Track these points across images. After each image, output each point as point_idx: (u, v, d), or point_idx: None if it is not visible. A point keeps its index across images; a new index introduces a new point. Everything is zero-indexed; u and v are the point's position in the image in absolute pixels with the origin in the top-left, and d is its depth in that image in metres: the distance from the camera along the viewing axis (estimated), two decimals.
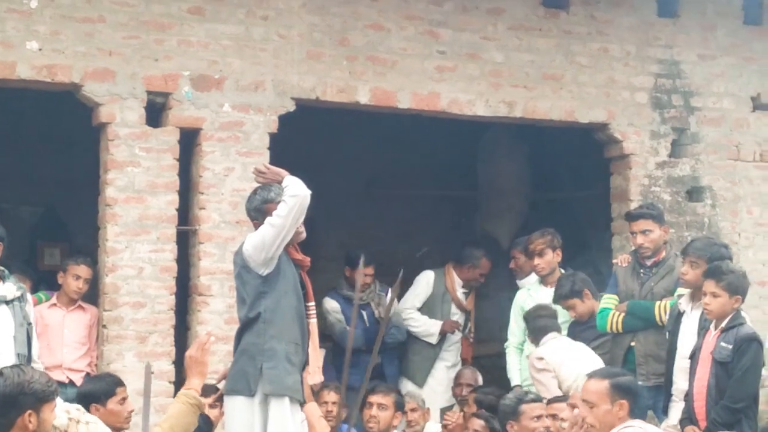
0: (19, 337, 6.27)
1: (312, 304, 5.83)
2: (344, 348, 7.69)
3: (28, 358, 6.29)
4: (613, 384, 4.96)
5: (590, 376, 5.15)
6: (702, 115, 8.58)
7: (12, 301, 6.35)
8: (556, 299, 7.20)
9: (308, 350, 5.78)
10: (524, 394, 6.23)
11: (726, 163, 8.59)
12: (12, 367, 4.16)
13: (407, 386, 8.40)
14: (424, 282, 8.61)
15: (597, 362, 6.61)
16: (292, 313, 5.67)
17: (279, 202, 5.63)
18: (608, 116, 8.35)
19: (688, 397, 6.19)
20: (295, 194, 5.57)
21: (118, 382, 6.00)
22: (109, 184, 7.23)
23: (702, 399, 6.06)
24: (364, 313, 8.21)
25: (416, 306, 8.57)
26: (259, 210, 5.76)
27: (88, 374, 7.11)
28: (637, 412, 5.02)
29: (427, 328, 8.53)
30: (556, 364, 6.72)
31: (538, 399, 6.18)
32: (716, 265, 6.18)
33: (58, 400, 5.20)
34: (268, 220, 5.63)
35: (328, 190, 9.12)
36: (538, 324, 7.03)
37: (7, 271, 6.45)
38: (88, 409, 5.61)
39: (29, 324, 6.42)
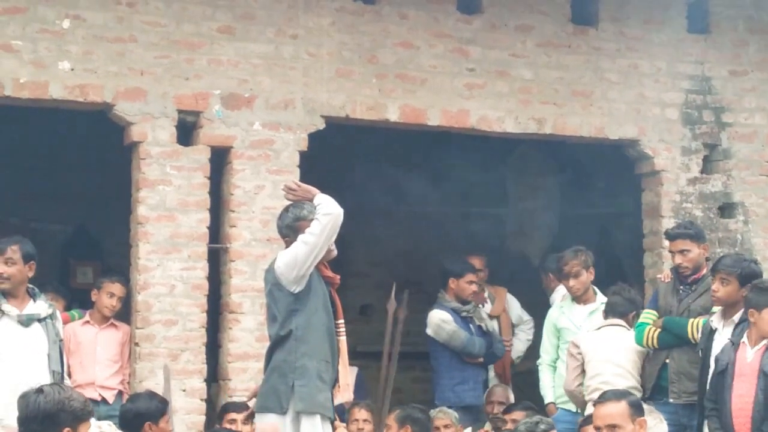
0: (53, 354, 6.30)
1: (341, 321, 5.83)
2: (469, 355, 7.76)
3: (62, 376, 6.32)
4: (630, 403, 5.07)
5: (603, 400, 5.16)
6: (733, 130, 8.54)
7: (44, 318, 6.39)
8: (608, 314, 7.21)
9: (338, 368, 5.78)
10: (534, 424, 6.16)
11: (758, 178, 8.54)
12: (52, 384, 4.20)
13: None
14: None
15: (621, 372, 6.67)
16: (323, 330, 5.67)
17: (311, 220, 5.64)
18: (639, 132, 8.33)
19: (722, 413, 6.13)
20: (329, 212, 5.58)
21: (166, 402, 6.05)
22: (140, 202, 7.27)
23: (745, 416, 6.00)
24: (471, 326, 8.15)
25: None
26: (291, 227, 5.77)
27: (120, 392, 7.14)
28: None
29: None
30: (585, 357, 6.81)
31: (549, 428, 6.12)
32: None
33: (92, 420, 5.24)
34: (300, 237, 5.64)
35: (357, 207, 9.16)
36: (609, 300, 7.12)
37: (37, 290, 6.50)
38: (141, 427, 5.67)
39: (61, 341, 6.46)
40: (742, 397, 6.04)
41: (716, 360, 6.25)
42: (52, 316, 6.45)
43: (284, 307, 5.66)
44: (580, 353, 6.97)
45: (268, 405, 5.66)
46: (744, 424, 6.02)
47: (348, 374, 5.88)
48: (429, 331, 8.09)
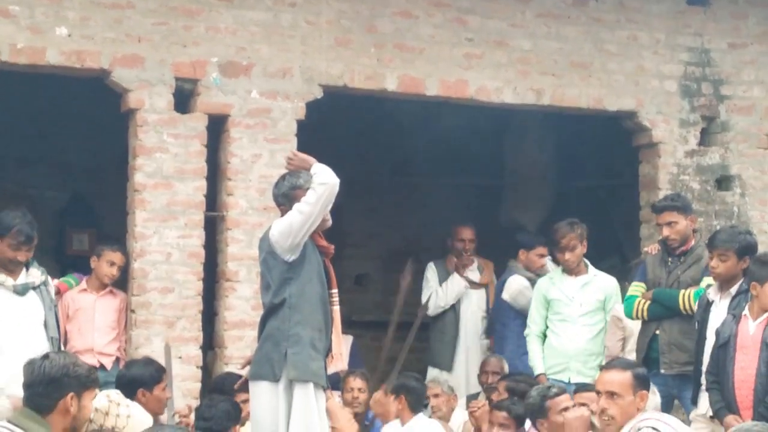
0: (50, 321, 6.31)
1: (335, 291, 5.83)
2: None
3: (59, 342, 6.33)
4: (635, 375, 4.99)
5: (608, 367, 5.15)
6: (732, 103, 8.53)
7: (39, 286, 6.39)
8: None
9: (332, 337, 5.79)
10: (546, 389, 6.16)
11: (755, 151, 8.53)
12: (58, 351, 4.22)
13: (432, 373, 8.41)
14: (430, 273, 8.67)
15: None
16: (317, 299, 5.68)
17: (308, 189, 5.63)
18: (637, 104, 8.31)
19: (724, 386, 6.15)
20: (325, 182, 5.57)
21: (162, 369, 6.05)
22: (137, 169, 7.26)
23: (747, 388, 6.03)
24: None
25: (437, 290, 8.61)
26: (287, 196, 5.76)
27: (118, 359, 7.15)
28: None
29: (450, 290, 8.55)
30: (625, 331, 6.95)
31: (561, 392, 6.13)
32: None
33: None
34: (296, 206, 5.63)
35: (353, 178, 9.15)
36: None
37: (31, 258, 6.49)
38: (135, 394, 5.67)
39: (55, 306, 6.46)
40: (744, 369, 6.06)
41: (717, 333, 6.26)
42: (45, 283, 6.45)
43: (278, 275, 5.67)
44: (623, 327, 7.03)
45: (262, 372, 5.67)
46: (746, 397, 6.04)
47: (342, 343, 5.89)
48: (506, 296, 8.17)
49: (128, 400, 4.89)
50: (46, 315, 6.32)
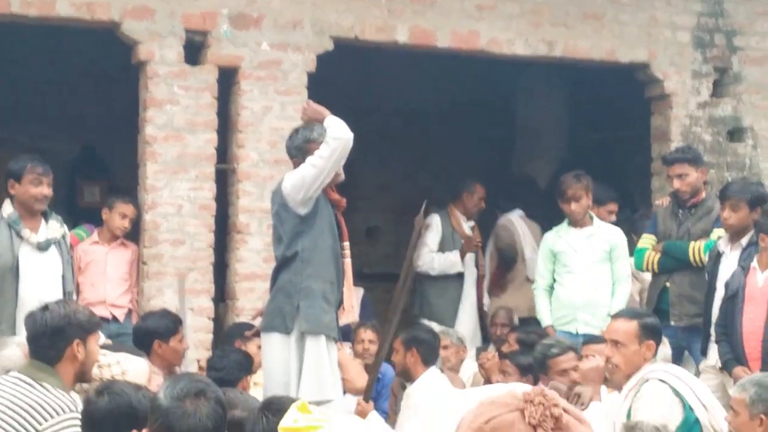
0: (67, 275, 6.29)
1: (346, 243, 5.85)
2: None
3: (74, 297, 6.34)
4: (642, 324, 4.94)
5: (616, 316, 5.14)
6: (744, 54, 8.47)
7: (59, 240, 6.37)
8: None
9: (343, 289, 5.80)
10: (548, 347, 6.16)
11: None
12: (56, 301, 4.23)
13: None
14: (433, 225, 8.66)
15: None
16: (329, 252, 5.70)
17: (321, 143, 5.62)
18: (649, 56, 8.26)
19: (733, 337, 6.18)
20: (339, 137, 5.56)
21: (179, 321, 6.07)
22: (148, 122, 7.25)
23: (756, 339, 6.05)
24: None
25: (433, 250, 8.63)
26: (300, 149, 5.75)
27: (130, 311, 7.19)
28: (656, 353, 5.02)
29: (448, 260, 8.59)
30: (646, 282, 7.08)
31: (563, 351, 6.13)
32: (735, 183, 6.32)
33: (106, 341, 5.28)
34: (309, 159, 5.63)
35: (365, 130, 9.13)
36: None
37: (48, 209, 6.48)
38: (151, 345, 5.71)
39: (72, 258, 6.46)
40: (752, 321, 6.08)
41: (726, 285, 6.28)
42: (64, 236, 6.45)
43: (290, 228, 5.68)
44: (641, 279, 7.13)
45: (274, 325, 5.70)
46: (755, 348, 6.07)
47: (353, 296, 5.92)
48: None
49: (120, 356, 4.89)
50: (64, 269, 6.31)
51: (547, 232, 7.76)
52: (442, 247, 8.63)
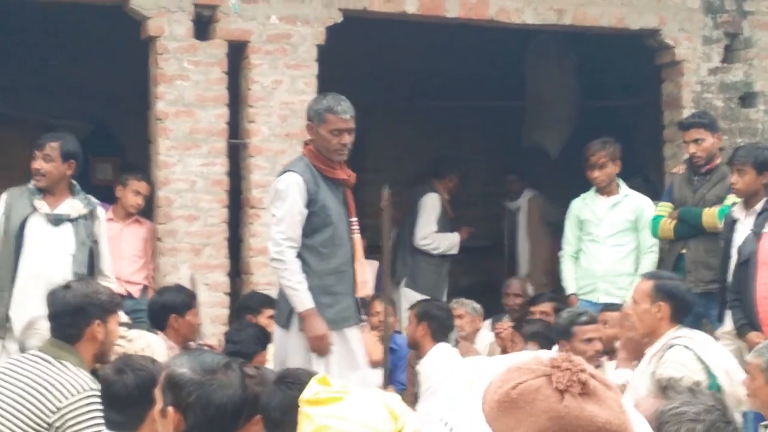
0: (79, 256, 6.23)
1: (354, 219, 5.79)
2: None
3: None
4: (657, 285, 4.97)
5: (642, 276, 5.19)
6: (755, 19, 8.42)
7: (77, 218, 6.33)
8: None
9: (354, 266, 5.75)
10: (577, 315, 6.18)
11: None
12: (78, 280, 4.24)
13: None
14: (431, 205, 8.76)
15: None
16: (329, 244, 5.64)
17: (341, 118, 5.57)
18: (659, 22, 8.22)
19: (746, 302, 6.18)
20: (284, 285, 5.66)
21: (194, 296, 6.10)
22: (158, 98, 7.25)
23: None
24: None
25: (434, 230, 8.75)
26: (318, 114, 5.58)
27: (145, 287, 7.21)
28: (681, 318, 5.00)
29: (450, 241, 8.78)
30: None
31: (591, 321, 6.14)
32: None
33: (125, 318, 5.30)
34: (272, 232, 5.72)
35: (373, 102, 9.11)
36: None
37: (78, 186, 6.44)
38: (167, 320, 5.74)
39: (94, 242, 6.33)
40: (766, 286, 6.08)
41: (739, 251, 6.27)
42: (87, 216, 6.36)
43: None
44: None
45: (278, 318, 5.80)
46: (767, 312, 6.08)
47: (365, 270, 5.88)
48: None
49: (142, 332, 4.92)
50: (77, 249, 6.27)
51: (574, 200, 7.73)
52: (439, 226, 8.83)
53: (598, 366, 5.70)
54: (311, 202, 5.62)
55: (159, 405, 2.94)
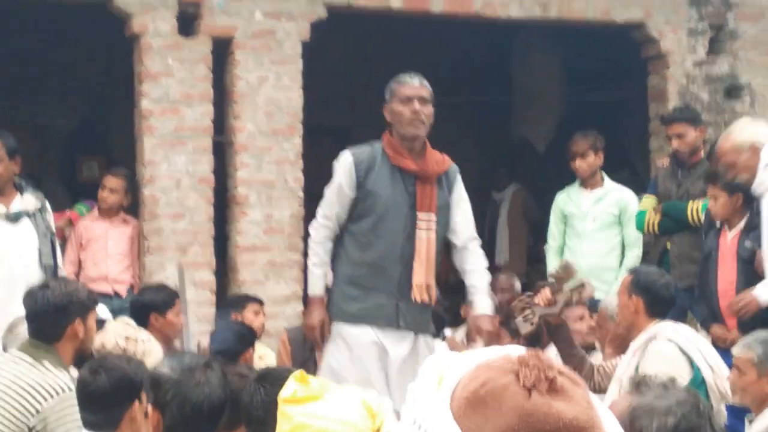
0: (44, 249, 6.14)
1: (425, 215, 5.28)
2: None
3: (54, 270, 6.24)
4: (633, 279, 5.00)
5: (628, 271, 5.26)
6: (740, 11, 8.42)
7: (33, 213, 6.28)
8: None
9: (413, 265, 5.26)
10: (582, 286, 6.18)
11: (765, 59, 8.44)
12: (56, 279, 4.23)
13: None
14: None
15: None
16: (373, 233, 5.26)
17: (404, 99, 5.31)
18: (645, 15, 8.21)
19: (708, 296, 6.20)
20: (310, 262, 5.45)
21: (175, 294, 6.06)
22: (144, 95, 7.23)
23: (730, 297, 6.07)
24: None
25: None
26: (391, 92, 5.42)
27: (132, 286, 7.19)
28: (660, 312, 4.98)
29: None
30: None
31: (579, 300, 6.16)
32: (714, 172, 6.22)
33: (109, 316, 5.29)
34: (311, 236, 5.46)
35: (360, 97, 9.10)
36: None
37: (24, 182, 6.37)
38: (147, 319, 5.73)
39: (52, 234, 6.30)
40: (725, 279, 6.11)
41: (702, 245, 6.33)
42: (41, 210, 6.33)
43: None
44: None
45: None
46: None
47: (429, 274, 5.27)
48: None
49: (145, 334, 4.90)
50: (40, 242, 6.21)
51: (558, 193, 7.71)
52: None
53: (592, 347, 5.75)
54: (358, 186, 5.28)
55: (144, 405, 2.94)
